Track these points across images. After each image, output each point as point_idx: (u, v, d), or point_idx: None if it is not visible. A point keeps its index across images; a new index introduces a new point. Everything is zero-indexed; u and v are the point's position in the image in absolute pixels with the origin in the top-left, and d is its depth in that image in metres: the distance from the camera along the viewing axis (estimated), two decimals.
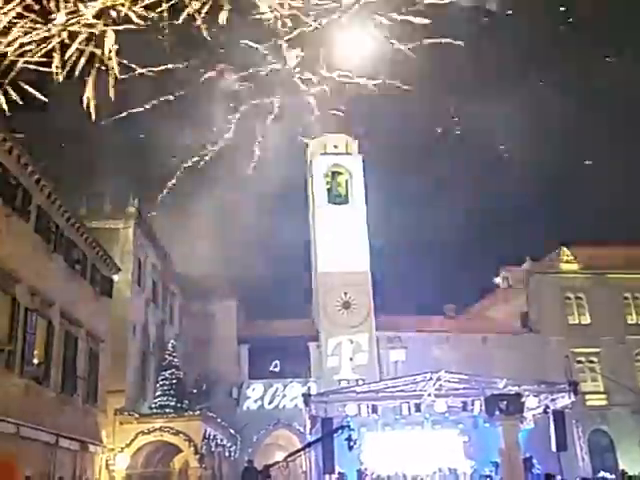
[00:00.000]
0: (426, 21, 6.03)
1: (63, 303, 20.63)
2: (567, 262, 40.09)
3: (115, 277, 25.86)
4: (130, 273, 27.55)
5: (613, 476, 29.43)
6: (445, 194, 60.28)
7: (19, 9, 5.37)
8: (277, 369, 35.41)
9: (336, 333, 36.23)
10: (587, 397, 35.88)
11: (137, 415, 25.68)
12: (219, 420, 29.00)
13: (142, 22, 5.55)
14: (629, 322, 39.08)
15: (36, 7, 5.39)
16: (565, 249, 40.26)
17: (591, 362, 37.63)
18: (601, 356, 37.54)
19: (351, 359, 35.58)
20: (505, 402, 23.23)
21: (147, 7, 5.54)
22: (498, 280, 43.49)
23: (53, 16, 5.42)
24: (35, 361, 18.94)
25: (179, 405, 26.98)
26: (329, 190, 40.09)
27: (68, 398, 21.01)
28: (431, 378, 24.14)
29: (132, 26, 5.61)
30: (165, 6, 5.54)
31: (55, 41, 5.49)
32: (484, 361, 31.78)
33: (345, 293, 36.96)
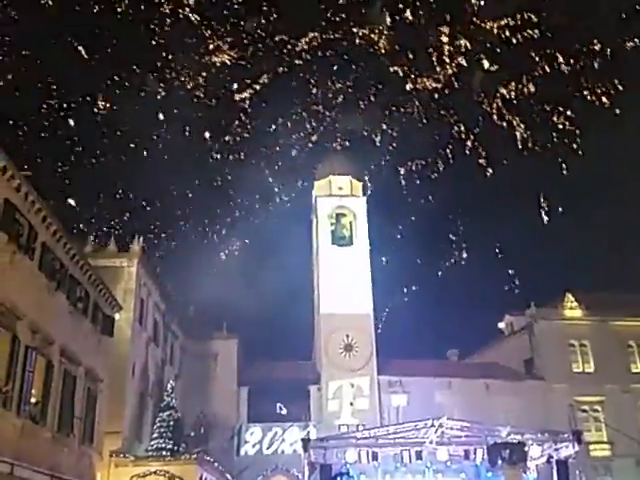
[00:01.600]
0: None
1: (63, 341, 20.52)
2: (571, 308, 39.95)
3: (117, 316, 25.78)
4: (132, 312, 27.47)
5: None
6: (451, 240, 60.34)
7: None
8: (282, 411, 34.87)
9: (337, 376, 35.87)
10: (591, 447, 35.32)
11: (133, 457, 25.26)
12: (216, 464, 28.49)
13: None
14: (633, 370, 38.69)
15: None
16: (569, 295, 40.14)
17: (595, 411, 37.12)
18: (605, 405, 37.05)
19: (352, 404, 35.14)
20: (508, 451, 22.82)
21: None
22: (502, 325, 43.28)
23: None
24: (32, 400, 18.74)
25: (176, 448, 26.54)
26: (333, 231, 40.27)
27: (64, 438, 20.71)
28: (433, 425, 23.77)
29: None
30: None
31: None
32: (487, 407, 31.39)
33: (347, 335, 36.75)
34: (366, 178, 42.80)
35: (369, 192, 42.06)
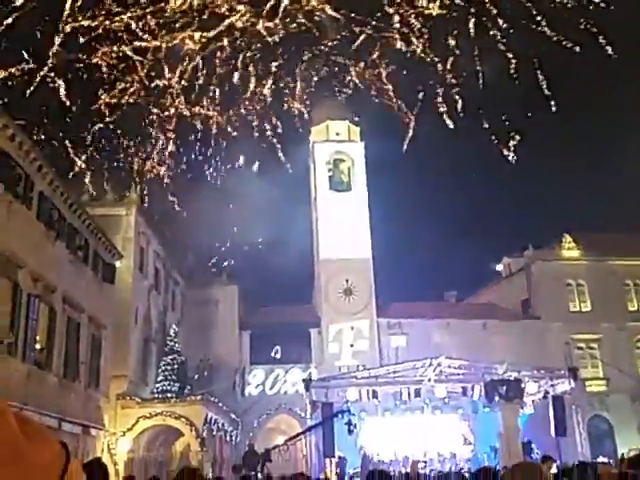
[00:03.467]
0: None
1: (65, 289, 20.80)
2: (569, 249, 40.14)
3: (117, 264, 26.02)
4: (132, 260, 27.69)
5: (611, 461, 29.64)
6: (448, 182, 60.28)
7: None
8: (278, 355, 35.57)
9: (337, 319, 36.40)
10: (587, 383, 36.03)
11: (139, 400, 25.92)
12: (220, 405, 29.24)
13: None
14: (630, 309, 39.16)
15: None
16: (567, 236, 40.28)
17: (591, 348, 37.76)
18: (601, 342, 37.66)
19: (352, 345, 35.77)
20: (505, 387, 23.38)
21: None
22: (500, 267, 43.58)
23: None
24: (37, 346, 19.13)
25: (181, 390, 27.21)
26: (331, 177, 40.12)
27: (70, 383, 21.23)
28: (431, 364, 24.30)
29: None
30: None
31: None
32: (484, 347, 31.93)
33: (347, 280, 37.09)
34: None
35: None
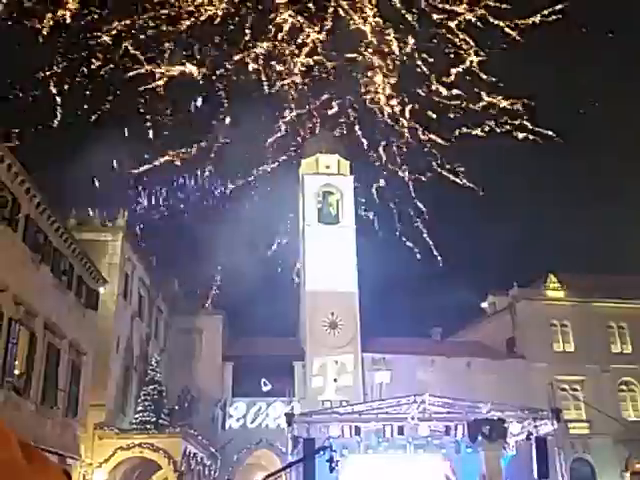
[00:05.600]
0: None
1: (47, 314, 20.48)
2: (553, 289, 40.37)
3: (101, 290, 25.72)
4: (117, 286, 27.41)
5: None
6: (436, 219, 60.68)
7: None
8: (266, 388, 35.04)
9: (322, 353, 36.11)
10: (570, 425, 35.90)
11: (117, 430, 25.39)
12: (200, 438, 28.71)
13: None
14: (613, 351, 39.29)
15: None
16: (552, 276, 40.54)
17: (575, 390, 37.70)
18: (585, 384, 37.64)
19: (335, 380, 35.42)
20: (488, 427, 23.20)
21: None
22: (485, 305, 43.67)
23: None
24: (16, 372, 18.74)
25: (160, 421, 26.69)
26: (320, 210, 40.24)
27: (48, 410, 20.76)
28: (415, 401, 24.08)
29: None
30: None
31: None
32: (469, 385, 31.78)
33: (332, 313, 36.92)
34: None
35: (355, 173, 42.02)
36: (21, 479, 0.75)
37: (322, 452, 21.91)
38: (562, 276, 40.34)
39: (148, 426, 26.11)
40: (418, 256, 42.60)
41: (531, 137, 40.39)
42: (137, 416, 27.11)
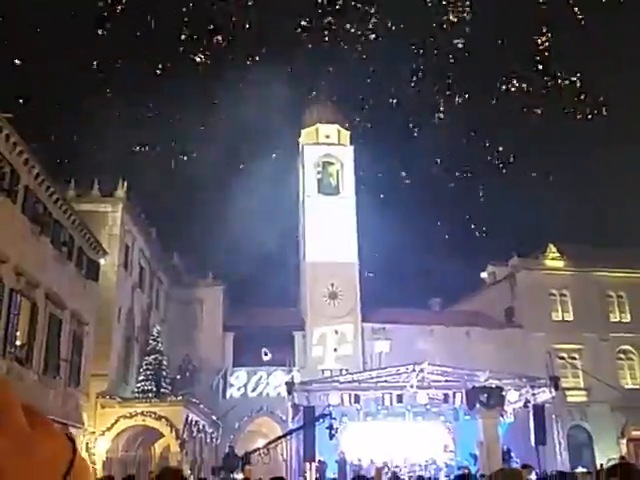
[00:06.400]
0: None
1: (48, 285, 20.59)
2: (553, 259, 40.42)
3: (102, 261, 25.81)
4: (117, 257, 27.49)
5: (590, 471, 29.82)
6: (437, 191, 60.57)
7: None
8: (267, 357, 35.34)
9: (321, 323, 36.35)
10: (568, 393, 36.23)
11: (119, 399, 25.69)
12: (201, 406, 29.07)
13: None
14: (612, 320, 39.48)
15: None
16: (552, 246, 40.56)
17: (573, 358, 38.00)
18: (583, 353, 37.92)
19: (335, 349, 35.72)
20: (486, 395, 23.46)
21: None
22: (484, 275, 43.77)
23: None
24: (18, 342, 18.91)
25: (162, 390, 27.01)
26: (320, 180, 40.10)
27: (50, 380, 21.00)
28: (414, 370, 24.32)
29: None
30: None
31: None
32: (467, 354, 32.00)
33: (332, 284, 37.06)
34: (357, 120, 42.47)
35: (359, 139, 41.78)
36: (26, 451, 0.76)
37: (322, 420, 22.25)
38: (562, 246, 40.36)
39: (150, 395, 26.44)
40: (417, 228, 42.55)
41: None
42: (139, 385, 27.43)
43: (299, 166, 41.71)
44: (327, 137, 41.41)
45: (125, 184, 28.68)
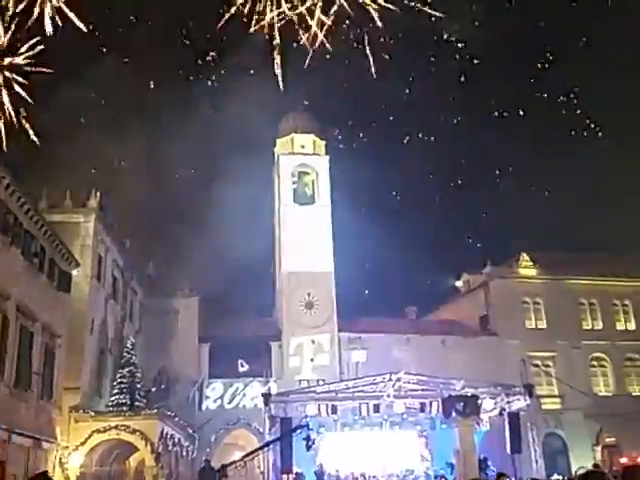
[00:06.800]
0: None
1: (19, 297, 20.23)
2: (526, 267, 40.89)
3: (74, 272, 25.44)
4: (90, 268, 27.12)
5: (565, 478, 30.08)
6: (411, 199, 61.07)
7: None
8: (244, 368, 35.07)
9: (298, 333, 36.24)
10: (542, 400, 36.59)
11: (92, 413, 25.27)
12: (177, 419, 28.74)
13: None
14: (584, 327, 40.03)
15: None
16: (524, 255, 41.04)
17: (547, 366, 38.39)
18: (556, 360, 38.34)
19: (312, 360, 35.61)
20: (462, 404, 23.56)
21: None
22: (459, 283, 44.10)
23: None
24: None
25: (136, 403, 26.63)
26: (295, 190, 40.09)
27: (22, 394, 20.60)
28: (390, 379, 24.36)
29: None
30: None
31: None
32: (443, 363, 32.15)
33: (308, 293, 37.00)
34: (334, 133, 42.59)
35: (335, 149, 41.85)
36: None
37: (299, 431, 22.13)
38: (534, 255, 40.86)
39: (124, 408, 26.04)
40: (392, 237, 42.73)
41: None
42: (113, 398, 27.02)
43: (274, 176, 41.66)
44: (302, 147, 41.45)
45: (98, 195, 28.33)
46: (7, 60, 5.54)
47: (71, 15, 5.31)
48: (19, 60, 5.55)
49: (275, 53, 5.73)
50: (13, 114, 5.76)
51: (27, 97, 5.72)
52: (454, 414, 23.60)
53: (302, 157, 40.86)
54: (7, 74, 5.61)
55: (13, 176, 19.82)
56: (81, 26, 5.41)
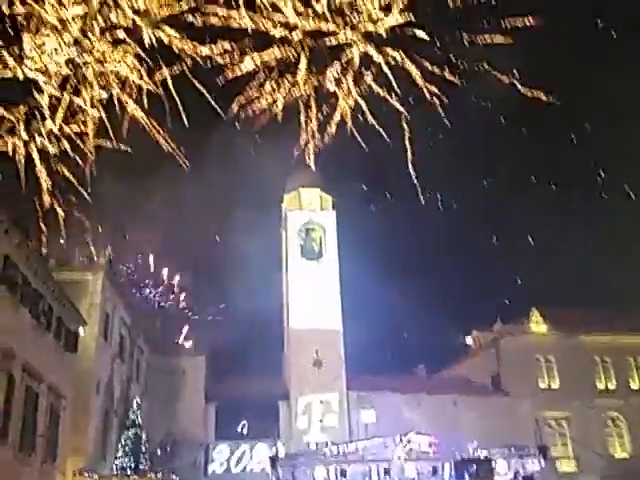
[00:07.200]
0: None
1: (26, 357, 20.00)
2: (537, 323, 40.36)
3: (81, 331, 25.26)
4: (97, 327, 26.94)
5: None
6: (420, 256, 61.06)
7: None
8: (245, 430, 34.30)
9: (306, 392, 35.61)
10: (557, 462, 35.54)
11: (97, 476, 24.67)
12: None
13: None
14: (598, 386, 39.15)
15: None
16: (535, 311, 40.57)
17: (561, 426, 37.43)
18: (571, 420, 37.38)
19: (321, 420, 34.85)
20: (475, 467, 22.96)
21: None
22: (469, 341, 43.56)
23: None
24: None
25: (141, 466, 26.02)
26: (302, 246, 40.14)
27: (26, 458, 20.14)
28: (401, 440, 23.79)
29: None
30: None
31: None
32: (455, 423, 31.49)
33: (316, 351, 36.55)
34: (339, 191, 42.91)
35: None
36: None
37: None
38: (545, 310, 40.38)
39: (129, 472, 25.44)
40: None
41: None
42: (117, 461, 26.41)
43: (282, 231, 41.85)
44: (309, 203, 41.72)
45: (107, 252, 28.41)
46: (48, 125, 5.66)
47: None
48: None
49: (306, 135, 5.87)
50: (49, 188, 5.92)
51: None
52: (467, 478, 22.93)
53: (309, 213, 41.08)
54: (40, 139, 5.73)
55: (23, 234, 19.90)
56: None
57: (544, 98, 7.22)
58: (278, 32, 6.08)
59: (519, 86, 6.95)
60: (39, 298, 21.57)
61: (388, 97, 6.27)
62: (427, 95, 6.37)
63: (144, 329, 34.90)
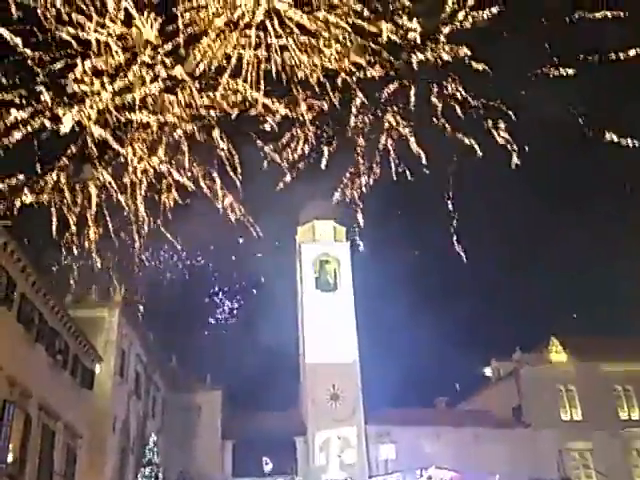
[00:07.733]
0: None
1: (42, 395, 19.94)
2: (556, 352, 39.73)
3: (97, 368, 25.20)
4: (113, 364, 26.86)
5: None
6: (437, 286, 60.61)
7: None
8: (268, 466, 33.64)
9: (324, 426, 35.06)
10: None
11: None
12: None
13: None
14: (621, 415, 38.29)
15: None
16: (554, 339, 39.99)
17: (584, 458, 36.53)
18: (594, 451, 36.47)
19: (339, 456, 34.15)
20: None
21: None
22: (488, 372, 42.92)
23: None
24: (10, 456, 18.07)
25: None
26: (317, 278, 40.04)
27: None
28: (421, 475, 23.34)
29: None
30: None
31: None
32: (476, 456, 30.86)
33: (333, 385, 36.13)
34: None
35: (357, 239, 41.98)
36: None
37: None
38: (564, 339, 39.78)
39: None
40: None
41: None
42: None
43: (297, 263, 41.77)
44: (323, 235, 41.67)
45: (123, 289, 28.44)
46: None
47: None
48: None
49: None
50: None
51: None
52: None
53: (323, 246, 41.03)
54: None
55: (40, 272, 20.01)
56: None
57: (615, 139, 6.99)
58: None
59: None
60: (55, 336, 21.59)
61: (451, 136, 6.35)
62: (498, 140, 6.39)
63: (160, 365, 34.74)
